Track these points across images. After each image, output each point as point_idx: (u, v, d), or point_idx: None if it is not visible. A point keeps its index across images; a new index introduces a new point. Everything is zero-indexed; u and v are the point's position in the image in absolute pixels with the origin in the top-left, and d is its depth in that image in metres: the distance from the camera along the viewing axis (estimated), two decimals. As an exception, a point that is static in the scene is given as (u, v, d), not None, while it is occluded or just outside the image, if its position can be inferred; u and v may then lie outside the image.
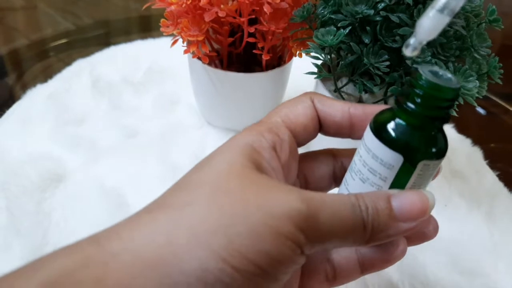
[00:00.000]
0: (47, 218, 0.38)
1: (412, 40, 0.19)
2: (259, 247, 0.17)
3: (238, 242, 0.17)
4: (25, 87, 0.55)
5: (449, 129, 0.56)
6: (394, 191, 0.21)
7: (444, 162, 0.50)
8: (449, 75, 0.20)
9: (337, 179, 0.26)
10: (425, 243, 0.39)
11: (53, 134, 0.48)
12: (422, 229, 0.23)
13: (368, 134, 0.21)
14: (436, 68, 0.20)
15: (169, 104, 0.54)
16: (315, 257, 0.23)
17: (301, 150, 0.25)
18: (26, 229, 0.37)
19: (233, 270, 0.17)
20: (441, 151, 0.21)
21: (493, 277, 0.38)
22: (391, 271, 0.37)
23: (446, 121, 0.20)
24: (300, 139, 0.23)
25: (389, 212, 0.20)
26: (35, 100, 0.53)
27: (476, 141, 0.54)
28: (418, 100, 0.19)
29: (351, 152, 0.24)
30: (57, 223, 0.38)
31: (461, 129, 0.56)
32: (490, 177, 0.49)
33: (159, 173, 0.44)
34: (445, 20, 0.19)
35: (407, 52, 0.20)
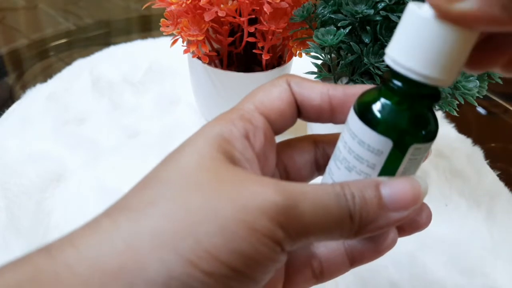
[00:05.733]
0: (47, 218, 0.38)
1: None
2: (232, 246, 0.15)
3: (207, 242, 0.15)
4: (25, 87, 0.55)
5: (449, 129, 0.56)
6: (383, 179, 0.19)
7: (445, 162, 0.50)
8: None
9: (320, 168, 0.24)
10: (425, 242, 0.40)
11: (53, 134, 0.48)
12: (414, 217, 0.21)
13: (353, 117, 0.19)
14: None
15: (169, 104, 0.54)
16: (299, 253, 0.22)
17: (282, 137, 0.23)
18: (26, 229, 0.37)
19: (203, 274, 0.15)
20: (433, 133, 0.19)
21: (492, 277, 0.38)
22: (391, 270, 0.37)
23: (437, 99, 0.18)
24: (277, 125, 0.21)
25: (378, 201, 0.18)
26: (35, 100, 0.53)
27: (476, 141, 0.54)
28: (406, 77, 0.17)
29: (333, 138, 0.22)
30: (57, 223, 0.38)
31: (462, 129, 0.56)
32: (491, 177, 0.49)
33: (159, 173, 0.44)
34: None
35: None
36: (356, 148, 0.19)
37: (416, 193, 0.18)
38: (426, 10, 0.16)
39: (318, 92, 0.21)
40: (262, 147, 0.20)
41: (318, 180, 0.24)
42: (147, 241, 0.15)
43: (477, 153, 0.53)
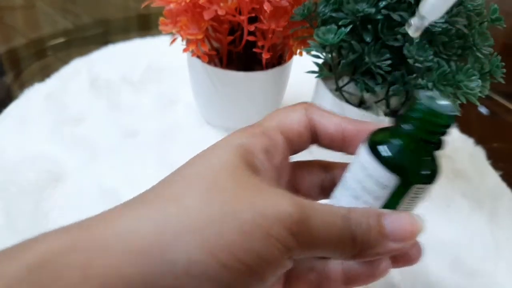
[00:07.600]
0: (45, 218, 0.38)
1: (414, 20, 0.19)
2: (249, 245, 0.17)
3: (227, 239, 0.17)
4: (23, 86, 0.55)
5: (451, 129, 0.56)
6: (386, 211, 0.21)
7: (447, 162, 0.50)
8: (447, 102, 0.20)
9: (324, 191, 0.26)
10: (428, 244, 0.39)
11: (51, 134, 0.47)
12: (407, 251, 0.23)
13: (364, 152, 0.21)
14: (435, 94, 0.21)
15: (168, 104, 0.53)
16: (300, 265, 0.23)
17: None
18: (24, 229, 0.37)
19: (220, 265, 0.17)
20: (434, 176, 0.21)
21: (495, 278, 0.38)
22: (393, 272, 0.37)
23: (439, 147, 0.21)
24: (294, 146, 0.23)
25: (380, 229, 0.20)
26: (33, 99, 0.52)
27: (478, 141, 0.54)
28: (416, 123, 0.20)
29: (341, 166, 0.24)
30: (55, 224, 0.37)
31: (464, 129, 0.55)
32: (493, 177, 0.49)
33: (157, 173, 0.43)
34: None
35: (410, 31, 0.19)
36: (364, 180, 0.21)
37: (415, 229, 0.20)
38: None
39: (333, 122, 0.23)
40: (279, 163, 0.22)
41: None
42: (174, 229, 0.17)
43: (480, 153, 0.52)
